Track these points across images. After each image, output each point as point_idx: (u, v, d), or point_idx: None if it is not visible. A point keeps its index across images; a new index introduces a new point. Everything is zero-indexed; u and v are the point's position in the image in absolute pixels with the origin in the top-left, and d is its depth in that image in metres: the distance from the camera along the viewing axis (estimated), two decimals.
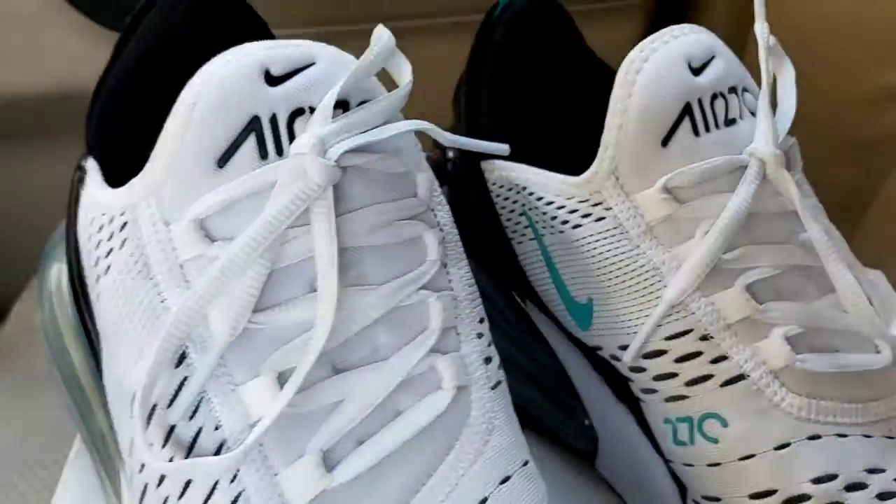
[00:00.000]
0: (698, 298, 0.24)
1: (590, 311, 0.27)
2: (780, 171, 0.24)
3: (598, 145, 0.25)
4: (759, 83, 0.25)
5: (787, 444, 0.24)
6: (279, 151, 0.20)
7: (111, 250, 0.22)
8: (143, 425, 0.20)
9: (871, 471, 0.24)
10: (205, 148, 0.20)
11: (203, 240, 0.20)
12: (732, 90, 0.26)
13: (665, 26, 0.25)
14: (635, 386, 0.27)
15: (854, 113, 0.47)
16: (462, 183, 0.31)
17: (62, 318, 0.28)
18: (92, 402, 0.27)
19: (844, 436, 0.24)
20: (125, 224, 0.21)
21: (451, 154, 0.32)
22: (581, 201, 0.26)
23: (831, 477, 0.23)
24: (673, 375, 0.25)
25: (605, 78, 0.27)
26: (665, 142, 0.24)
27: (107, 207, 0.22)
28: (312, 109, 0.21)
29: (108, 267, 0.22)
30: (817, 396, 0.24)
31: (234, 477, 0.20)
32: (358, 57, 0.21)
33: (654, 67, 0.24)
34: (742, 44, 0.36)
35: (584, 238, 0.26)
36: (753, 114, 0.26)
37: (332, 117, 0.20)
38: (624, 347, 0.26)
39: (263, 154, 0.20)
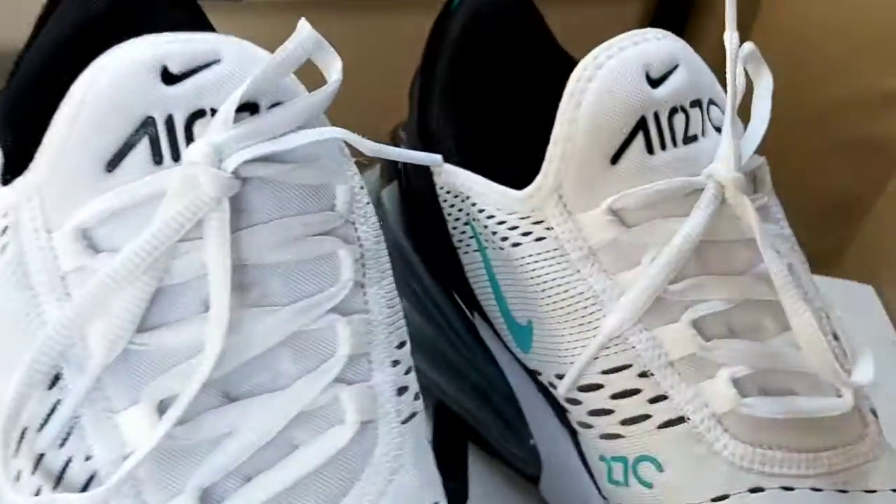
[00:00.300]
0: (639, 332, 0.22)
1: (530, 334, 0.25)
2: (740, 196, 0.22)
3: None
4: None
5: (726, 497, 0.22)
6: (175, 157, 0.19)
7: None
8: (5, 452, 0.18)
9: None
10: (92, 149, 0.18)
11: (86, 250, 0.18)
12: (696, 104, 0.23)
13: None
14: (572, 417, 0.25)
15: (851, 117, 0.46)
16: (411, 182, 0.29)
17: None
18: None
19: (791, 489, 0.22)
20: (6, 228, 0.19)
21: None
22: (522, 218, 0.24)
23: None
24: (609, 412, 0.23)
25: None
26: (615, 159, 0.22)
27: None
28: (215, 111, 0.19)
29: None
30: (763, 444, 0.22)
31: None
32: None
33: (608, 76, 0.22)
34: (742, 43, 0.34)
35: (523, 258, 0.24)
36: (719, 130, 0.24)
37: (235, 122, 0.19)
38: (561, 376, 0.24)
39: (157, 159, 0.19)
